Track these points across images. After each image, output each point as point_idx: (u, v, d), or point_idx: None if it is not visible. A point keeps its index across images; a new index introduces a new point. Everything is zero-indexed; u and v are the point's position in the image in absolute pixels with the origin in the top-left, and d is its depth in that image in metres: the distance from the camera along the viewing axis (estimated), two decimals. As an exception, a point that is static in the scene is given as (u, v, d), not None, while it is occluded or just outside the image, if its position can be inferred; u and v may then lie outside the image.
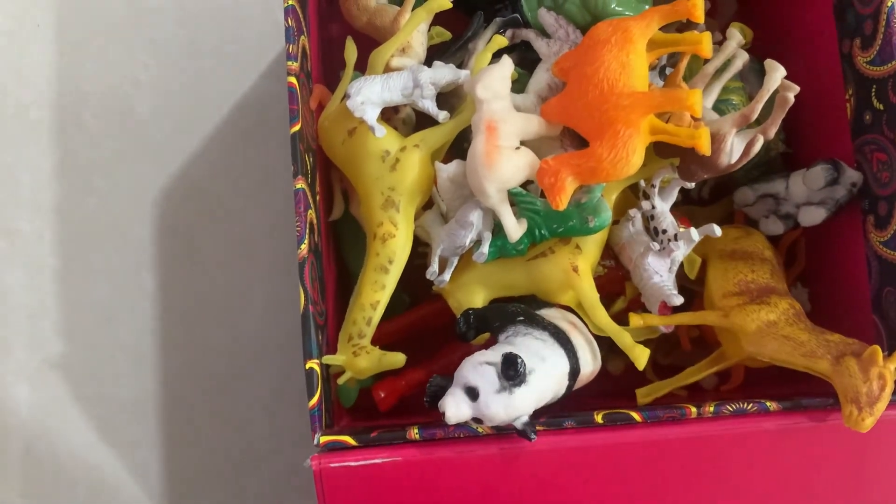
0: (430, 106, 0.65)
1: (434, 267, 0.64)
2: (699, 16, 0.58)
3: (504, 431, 0.58)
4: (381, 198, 0.64)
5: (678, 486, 0.59)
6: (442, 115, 0.65)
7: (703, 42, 0.60)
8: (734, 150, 0.62)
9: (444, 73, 0.65)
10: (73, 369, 0.84)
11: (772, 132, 0.62)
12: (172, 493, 0.83)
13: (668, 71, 0.70)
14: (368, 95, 0.63)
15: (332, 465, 0.58)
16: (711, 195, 0.79)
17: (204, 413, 0.84)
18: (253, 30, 0.88)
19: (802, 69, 0.66)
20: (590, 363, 0.62)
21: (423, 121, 0.68)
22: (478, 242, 0.64)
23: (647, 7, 0.68)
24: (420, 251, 0.69)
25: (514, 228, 0.62)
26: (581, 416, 0.59)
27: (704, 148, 0.56)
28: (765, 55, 0.65)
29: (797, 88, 0.61)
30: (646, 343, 0.71)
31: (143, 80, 0.88)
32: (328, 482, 0.58)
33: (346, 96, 0.64)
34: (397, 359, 0.61)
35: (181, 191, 0.87)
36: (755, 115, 0.61)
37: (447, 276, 0.65)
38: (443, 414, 0.54)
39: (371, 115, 0.63)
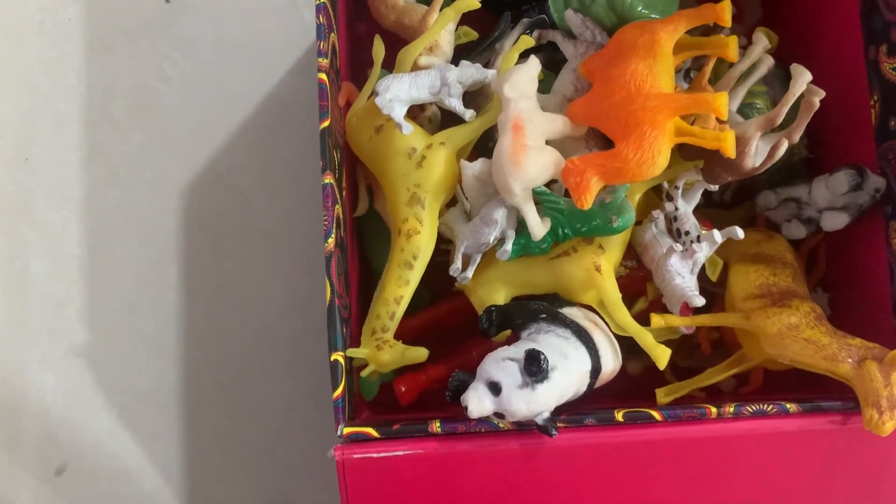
0: (456, 104, 0.65)
1: (457, 264, 0.65)
2: (727, 20, 0.59)
3: (525, 427, 0.58)
4: (406, 194, 0.64)
5: (696, 484, 0.59)
6: (468, 114, 0.65)
7: (730, 45, 0.61)
8: (758, 153, 0.63)
9: (470, 72, 0.66)
10: (96, 359, 0.86)
11: (796, 136, 0.63)
12: (192, 483, 0.84)
13: (693, 74, 0.70)
14: (396, 93, 0.64)
15: (355, 455, 0.58)
16: (734, 199, 0.79)
17: (224, 404, 0.85)
18: (280, 27, 0.89)
19: (827, 75, 0.66)
20: (611, 362, 0.63)
21: (449, 119, 0.69)
22: (501, 240, 0.64)
23: (673, 10, 0.68)
24: (442, 248, 0.70)
25: (539, 226, 0.62)
26: (602, 414, 0.59)
27: (729, 150, 0.57)
28: (790, 60, 0.65)
29: (822, 93, 0.61)
30: (666, 345, 0.71)
31: (171, 75, 0.89)
32: (351, 473, 0.58)
33: (374, 93, 0.65)
34: (420, 353, 0.62)
35: (206, 184, 0.88)
36: (780, 119, 0.62)
37: (470, 273, 0.65)
38: (465, 408, 0.55)
39: (398, 112, 0.63)
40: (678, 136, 0.58)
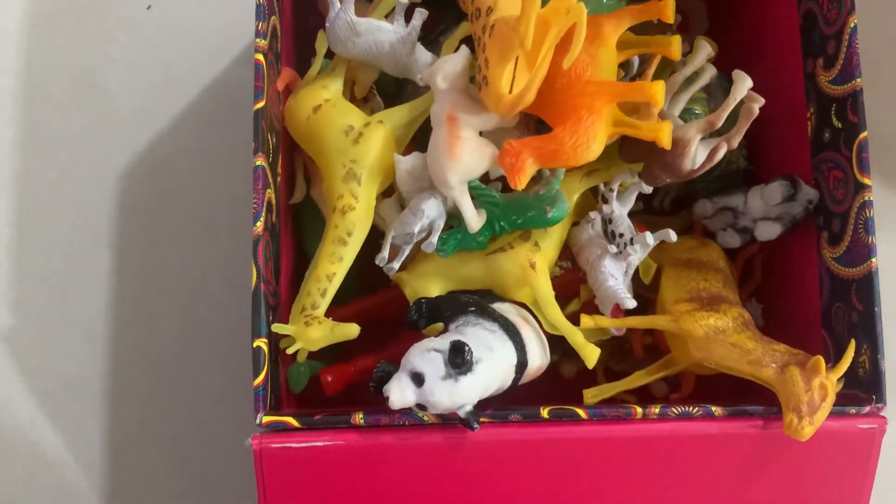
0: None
1: (384, 253, 0.64)
2: (669, 15, 0.59)
3: (449, 420, 0.57)
4: (342, 170, 0.63)
5: (619, 484, 0.59)
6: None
7: (673, 45, 0.61)
8: (698, 157, 0.63)
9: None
10: (20, 342, 0.83)
11: (735, 142, 0.63)
12: (114, 473, 0.82)
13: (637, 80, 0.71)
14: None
15: (273, 445, 0.57)
16: (673, 206, 0.79)
17: (152, 393, 0.82)
18: (229, 14, 0.88)
19: (768, 87, 0.67)
20: (538, 357, 0.62)
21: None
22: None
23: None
24: (380, 243, 0.69)
25: (475, 219, 0.62)
26: (527, 410, 0.59)
27: (665, 141, 0.57)
28: (732, 72, 0.66)
29: (762, 100, 0.62)
30: (600, 349, 0.71)
31: (115, 57, 0.88)
32: (268, 462, 0.57)
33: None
34: (350, 330, 0.60)
35: (145, 169, 0.86)
36: (720, 123, 0.62)
37: (396, 264, 0.64)
38: (387, 398, 0.54)
39: None
40: (615, 126, 0.59)
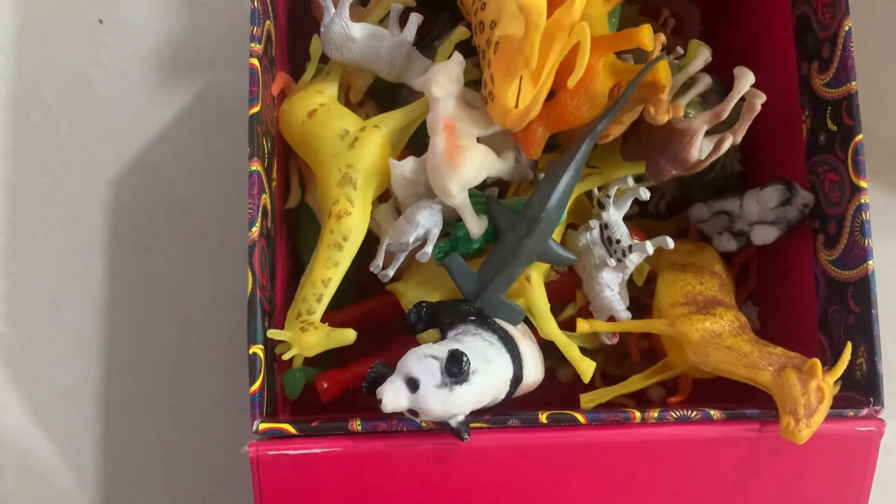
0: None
1: (378, 260, 0.64)
2: None
3: (447, 426, 0.57)
4: (338, 174, 0.63)
5: (619, 488, 0.59)
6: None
7: None
8: (704, 148, 0.63)
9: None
10: (11, 350, 0.82)
11: (739, 136, 0.63)
12: (107, 484, 0.81)
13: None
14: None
15: (270, 452, 0.57)
16: (668, 210, 0.79)
17: (146, 401, 0.82)
18: (222, 19, 0.87)
19: (763, 90, 0.67)
20: (533, 373, 0.62)
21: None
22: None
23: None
24: (376, 247, 0.69)
25: (477, 225, 0.62)
26: (525, 415, 0.58)
27: (664, 76, 0.58)
28: (727, 75, 0.66)
29: (764, 97, 0.62)
30: (597, 353, 0.71)
31: (107, 63, 0.87)
32: (265, 470, 0.57)
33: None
34: (346, 335, 0.60)
35: (138, 176, 0.85)
36: (726, 114, 0.63)
37: (391, 271, 0.64)
38: (379, 401, 0.54)
39: None
40: (614, 75, 0.60)
